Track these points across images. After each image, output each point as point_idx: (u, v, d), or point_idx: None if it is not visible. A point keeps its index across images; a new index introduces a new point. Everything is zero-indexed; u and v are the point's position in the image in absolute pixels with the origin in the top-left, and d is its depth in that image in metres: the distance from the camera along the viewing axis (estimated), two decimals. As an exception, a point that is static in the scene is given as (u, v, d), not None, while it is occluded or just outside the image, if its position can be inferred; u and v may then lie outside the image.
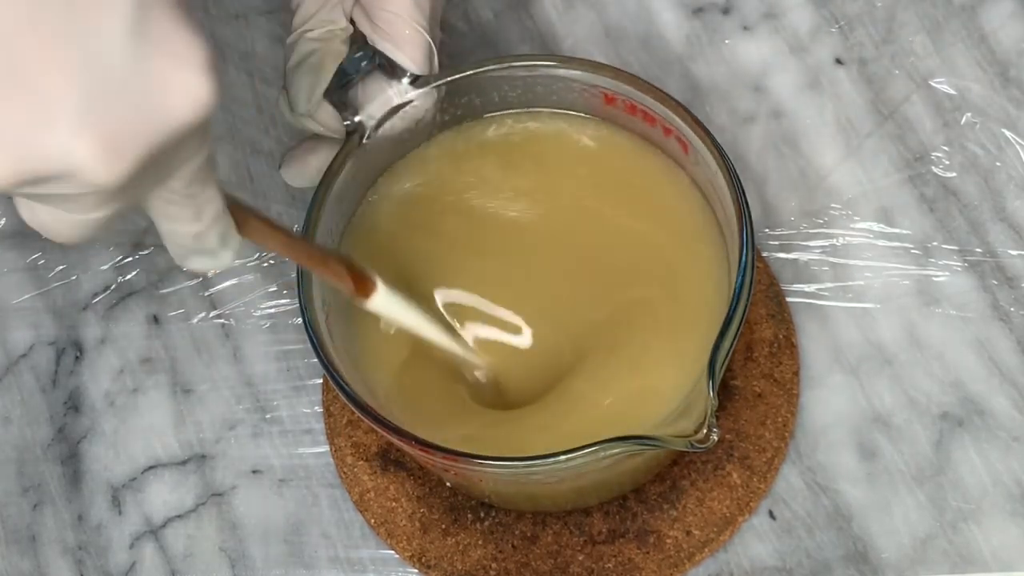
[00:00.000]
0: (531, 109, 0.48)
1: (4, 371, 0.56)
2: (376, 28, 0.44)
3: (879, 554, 0.49)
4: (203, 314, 0.56)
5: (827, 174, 0.55)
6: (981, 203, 0.54)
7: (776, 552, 0.50)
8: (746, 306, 0.40)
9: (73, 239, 0.33)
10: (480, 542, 0.50)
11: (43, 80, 0.28)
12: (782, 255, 0.54)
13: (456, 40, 0.59)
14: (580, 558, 0.49)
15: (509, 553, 0.50)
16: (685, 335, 0.44)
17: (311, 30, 0.45)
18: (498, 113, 0.49)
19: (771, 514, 0.50)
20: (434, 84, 0.46)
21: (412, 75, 0.45)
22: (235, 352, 0.55)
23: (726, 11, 0.59)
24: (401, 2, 0.44)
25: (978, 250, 0.53)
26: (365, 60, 0.45)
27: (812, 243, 0.54)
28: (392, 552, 0.51)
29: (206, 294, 0.56)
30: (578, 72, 0.46)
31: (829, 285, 0.53)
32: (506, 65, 0.47)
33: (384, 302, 0.44)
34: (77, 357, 0.56)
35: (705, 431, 0.38)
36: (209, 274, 0.37)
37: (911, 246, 0.54)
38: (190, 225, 0.35)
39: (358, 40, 0.45)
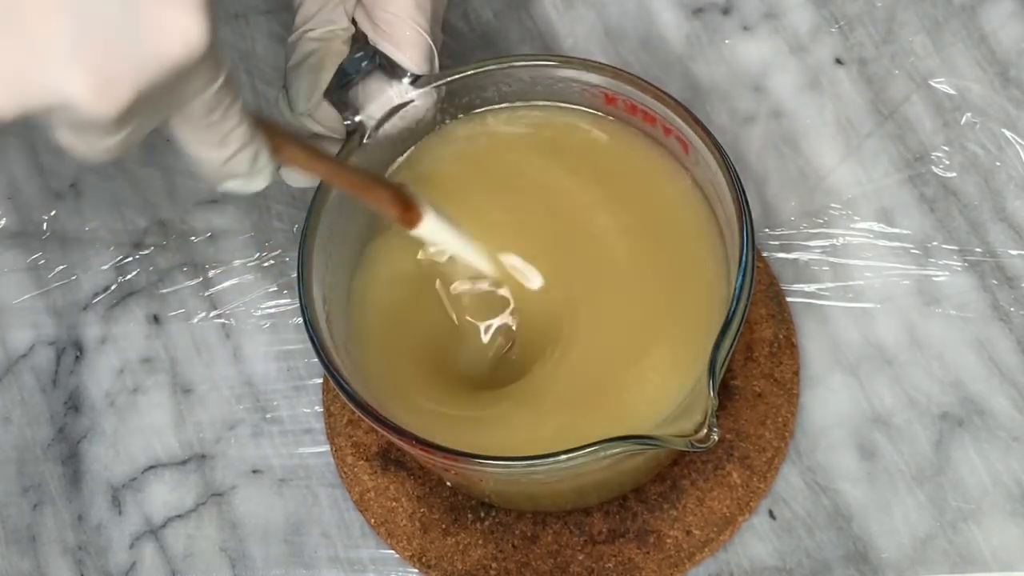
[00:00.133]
0: (533, 103, 0.49)
1: (4, 371, 0.56)
2: (377, 28, 0.44)
3: (879, 554, 0.49)
4: (203, 314, 0.56)
5: (827, 174, 0.55)
6: (981, 203, 0.54)
7: (776, 552, 0.50)
8: (746, 306, 0.40)
9: (100, 160, 0.34)
10: (480, 542, 0.50)
11: (36, 18, 0.29)
12: (782, 255, 0.54)
13: (456, 40, 0.59)
14: (580, 558, 0.49)
15: (509, 553, 0.50)
16: (685, 335, 0.44)
17: (312, 30, 0.45)
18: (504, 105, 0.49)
19: (771, 514, 0.50)
20: (434, 84, 0.46)
21: (412, 75, 0.45)
22: (235, 352, 0.55)
23: (726, 11, 0.59)
24: (402, 3, 0.44)
25: (978, 250, 0.53)
26: (365, 60, 0.45)
27: (812, 243, 0.54)
28: (392, 552, 0.51)
29: (206, 294, 0.56)
30: (578, 72, 0.46)
31: (829, 285, 0.53)
32: (506, 65, 0.47)
33: (432, 228, 0.45)
34: (77, 357, 0.56)
35: (705, 431, 0.38)
36: (249, 192, 0.38)
37: (911, 246, 0.54)
38: (217, 151, 0.36)
39: (359, 40, 0.45)
